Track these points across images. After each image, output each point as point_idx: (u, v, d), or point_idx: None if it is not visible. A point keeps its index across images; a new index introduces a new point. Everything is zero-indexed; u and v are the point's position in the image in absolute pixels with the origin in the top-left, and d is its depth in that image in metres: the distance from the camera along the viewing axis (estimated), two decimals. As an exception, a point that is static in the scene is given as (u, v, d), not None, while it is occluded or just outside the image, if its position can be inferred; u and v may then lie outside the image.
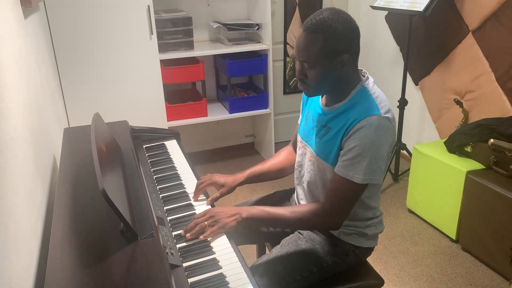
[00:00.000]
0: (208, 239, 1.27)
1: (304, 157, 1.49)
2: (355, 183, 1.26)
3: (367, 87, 1.32)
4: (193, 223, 1.28)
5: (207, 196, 1.50)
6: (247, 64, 3.18)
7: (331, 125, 1.34)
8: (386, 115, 1.26)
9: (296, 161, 1.56)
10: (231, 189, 1.54)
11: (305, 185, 1.50)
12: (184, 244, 1.24)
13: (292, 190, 1.70)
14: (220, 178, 1.55)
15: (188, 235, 1.26)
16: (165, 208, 1.42)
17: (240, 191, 3.08)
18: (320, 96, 1.43)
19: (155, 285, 0.91)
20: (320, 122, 1.39)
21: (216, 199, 1.49)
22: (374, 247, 1.52)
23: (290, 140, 1.71)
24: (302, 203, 1.55)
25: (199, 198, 1.49)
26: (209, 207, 1.44)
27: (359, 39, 1.28)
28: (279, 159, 1.63)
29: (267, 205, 1.64)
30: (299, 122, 1.59)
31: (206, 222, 1.28)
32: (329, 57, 1.24)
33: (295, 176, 1.58)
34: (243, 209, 1.34)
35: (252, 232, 1.62)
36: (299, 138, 1.53)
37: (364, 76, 1.35)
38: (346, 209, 1.31)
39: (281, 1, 3.46)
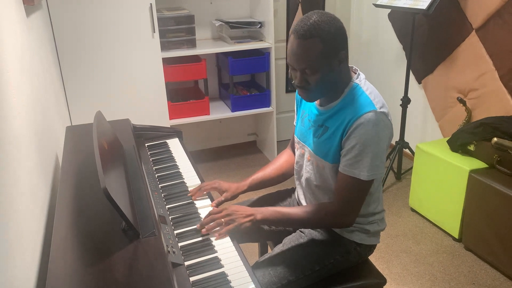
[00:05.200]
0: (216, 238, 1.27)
1: (302, 157, 1.50)
2: (361, 180, 1.28)
3: (359, 83, 1.34)
4: (209, 219, 1.30)
5: (211, 199, 1.51)
6: (250, 62, 3.17)
7: (328, 124, 1.36)
8: (381, 110, 1.28)
9: (295, 162, 1.57)
10: (234, 196, 1.55)
11: (304, 184, 1.51)
12: (186, 242, 1.24)
13: (293, 189, 1.71)
14: (225, 184, 1.56)
15: (204, 230, 1.27)
16: (167, 206, 1.42)
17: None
18: None
19: (156, 284, 0.91)
20: (316, 122, 1.41)
21: (220, 203, 1.50)
22: (376, 245, 1.52)
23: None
24: (302, 201, 1.55)
25: (201, 199, 1.49)
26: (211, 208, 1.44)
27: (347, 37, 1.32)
28: (280, 164, 1.63)
29: (269, 203, 1.65)
30: (295, 123, 1.60)
31: (222, 219, 1.29)
32: (329, 57, 1.25)
33: (295, 176, 1.59)
34: (257, 210, 1.35)
35: (255, 231, 1.62)
36: (296, 139, 1.54)
37: (355, 73, 1.37)
38: (356, 206, 1.34)
39: (283, -1, 3.45)
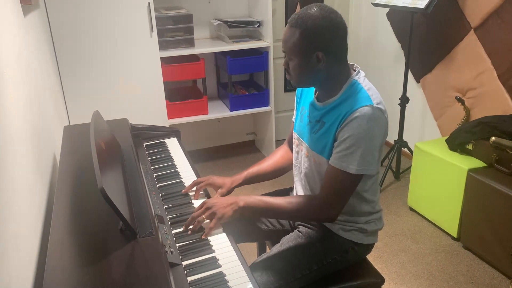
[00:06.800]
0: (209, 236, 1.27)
1: (300, 153, 1.50)
2: (349, 173, 1.27)
3: (358, 80, 1.34)
4: (190, 218, 1.29)
5: (208, 196, 1.50)
6: (248, 61, 3.17)
7: (325, 119, 1.36)
8: (378, 105, 1.28)
9: (293, 158, 1.57)
10: (230, 191, 1.55)
11: (303, 180, 1.51)
12: (184, 242, 1.24)
13: (291, 188, 1.71)
14: (218, 179, 1.55)
15: (189, 232, 1.27)
16: (164, 206, 1.42)
17: (241, 188, 3.07)
18: (314, 91, 1.45)
19: (154, 284, 0.91)
20: (314, 118, 1.41)
21: None
22: (373, 244, 1.52)
23: (290, 138, 1.71)
24: None
25: (199, 197, 1.49)
26: None
27: (342, 38, 1.29)
28: (276, 159, 1.64)
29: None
30: (293, 120, 1.60)
31: (203, 216, 1.29)
32: (304, 52, 1.27)
33: (294, 173, 1.58)
34: (240, 197, 1.35)
35: (252, 229, 1.62)
36: (295, 135, 1.54)
37: (355, 71, 1.37)
38: (342, 200, 1.32)
39: (282, -2, 3.45)
